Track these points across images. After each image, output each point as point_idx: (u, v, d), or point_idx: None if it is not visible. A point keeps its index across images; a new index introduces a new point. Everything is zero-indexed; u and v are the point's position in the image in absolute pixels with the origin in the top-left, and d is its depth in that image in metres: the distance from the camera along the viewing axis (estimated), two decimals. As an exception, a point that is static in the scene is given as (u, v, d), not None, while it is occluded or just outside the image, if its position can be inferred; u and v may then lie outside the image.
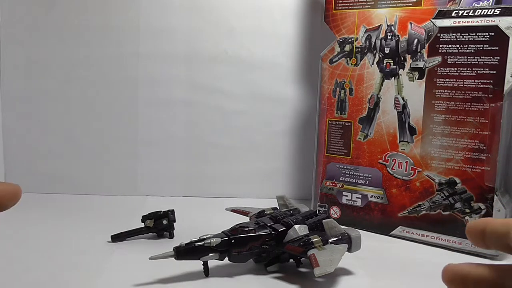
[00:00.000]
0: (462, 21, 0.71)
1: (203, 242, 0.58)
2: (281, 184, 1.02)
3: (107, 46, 0.96)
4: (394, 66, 0.78)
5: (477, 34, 0.70)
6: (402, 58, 0.77)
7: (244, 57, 0.98)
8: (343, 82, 0.83)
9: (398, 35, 0.77)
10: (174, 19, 0.96)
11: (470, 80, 0.71)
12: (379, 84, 0.79)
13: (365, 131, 0.81)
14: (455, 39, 0.72)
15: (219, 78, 0.98)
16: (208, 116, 0.99)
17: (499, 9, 0.68)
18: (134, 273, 0.60)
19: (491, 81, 0.69)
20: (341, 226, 0.63)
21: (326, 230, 0.63)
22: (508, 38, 0.68)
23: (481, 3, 0.70)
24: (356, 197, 0.83)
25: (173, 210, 0.75)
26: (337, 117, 0.84)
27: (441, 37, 0.73)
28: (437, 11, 0.73)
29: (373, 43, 0.79)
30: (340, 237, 0.62)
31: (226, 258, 0.60)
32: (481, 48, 0.70)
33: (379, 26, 0.78)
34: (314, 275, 0.55)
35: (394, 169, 0.79)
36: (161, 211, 0.75)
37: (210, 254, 0.59)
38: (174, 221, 0.75)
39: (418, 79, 0.75)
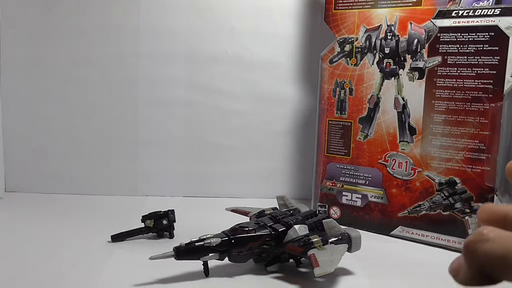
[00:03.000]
0: (462, 21, 0.71)
1: (203, 242, 0.58)
2: (281, 184, 1.02)
3: (107, 46, 0.96)
4: (394, 66, 0.78)
5: (477, 34, 0.70)
6: (402, 58, 0.77)
7: (244, 57, 0.98)
8: (343, 82, 0.83)
9: (398, 35, 0.77)
10: (174, 19, 0.96)
11: (470, 80, 0.71)
12: (379, 84, 0.79)
13: (365, 131, 0.81)
14: (455, 39, 0.72)
15: (219, 78, 0.98)
16: (208, 116, 0.99)
17: (499, 9, 0.68)
18: (134, 273, 0.60)
19: (491, 81, 0.69)
20: (341, 226, 0.63)
21: (326, 230, 0.63)
22: (508, 38, 0.68)
23: (481, 3, 0.70)
24: (356, 197, 0.83)
25: (173, 210, 0.76)
26: (337, 117, 0.84)
27: (441, 37, 0.73)
28: (437, 11, 0.73)
29: (373, 43, 0.79)
30: (340, 237, 0.62)
31: (226, 258, 0.60)
32: (481, 48, 0.70)
33: (379, 26, 0.78)
34: (314, 275, 0.55)
35: (394, 169, 0.79)
36: (161, 211, 0.75)
37: (210, 254, 0.59)
38: (174, 221, 0.75)
39: (418, 79, 0.75)
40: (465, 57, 0.71)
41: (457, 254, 0.26)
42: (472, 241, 0.23)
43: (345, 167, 0.84)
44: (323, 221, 0.63)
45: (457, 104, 0.72)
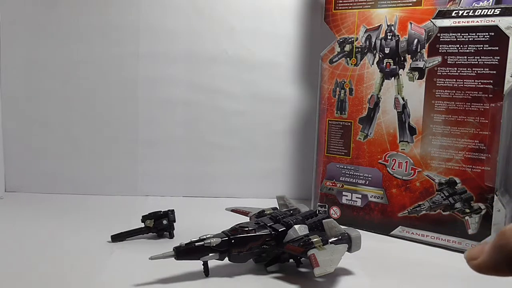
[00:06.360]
0: (462, 21, 0.71)
1: (203, 242, 0.58)
2: (281, 184, 1.02)
3: (107, 46, 0.96)
4: (394, 66, 0.77)
5: (477, 34, 0.70)
6: (402, 58, 0.77)
7: (244, 57, 0.98)
8: (343, 82, 0.83)
9: (398, 35, 0.77)
10: (174, 19, 0.96)
11: (470, 80, 0.71)
12: (379, 84, 0.79)
13: (365, 131, 0.81)
14: (455, 39, 0.72)
15: (219, 78, 0.98)
16: (208, 116, 0.99)
17: (499, 9, 0.68)
18: (134, 273, 0.60)
19: (491, 81, 0.69)
20: (341, 226, 0.63)
21: (326, 230, 0.63)
22: (508, 38, 0.68)
23: (481, 3, 0.70)
24: (356, 197, 0.83)
25: (173, 210, 0.76)
26: (337, 117, 0.84)
27: (441, 37, 0.73)
28: (437, 11, 0.73)
29: (373, 43, 0.79)
30: (340, 237, 0.62)
31: (226, 258, 0.60)
32: (481, 48, 0.70)
33: (379, 26, 0.78)
34: (314, 275, 0.55)
35: (394, 169, 0.79)
36: (161, 211, 0.75)
37: (210, 254, 0.59)
38: (174, 221, 0.75)
39: (418, 79, 0.75)
40: (465, 57, 0.71)
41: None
42: (510, 228, 0.22)
43: (345, 167, 0.84)
44: (323, 221, 0.63)
45: (457, 104, 0.72)
